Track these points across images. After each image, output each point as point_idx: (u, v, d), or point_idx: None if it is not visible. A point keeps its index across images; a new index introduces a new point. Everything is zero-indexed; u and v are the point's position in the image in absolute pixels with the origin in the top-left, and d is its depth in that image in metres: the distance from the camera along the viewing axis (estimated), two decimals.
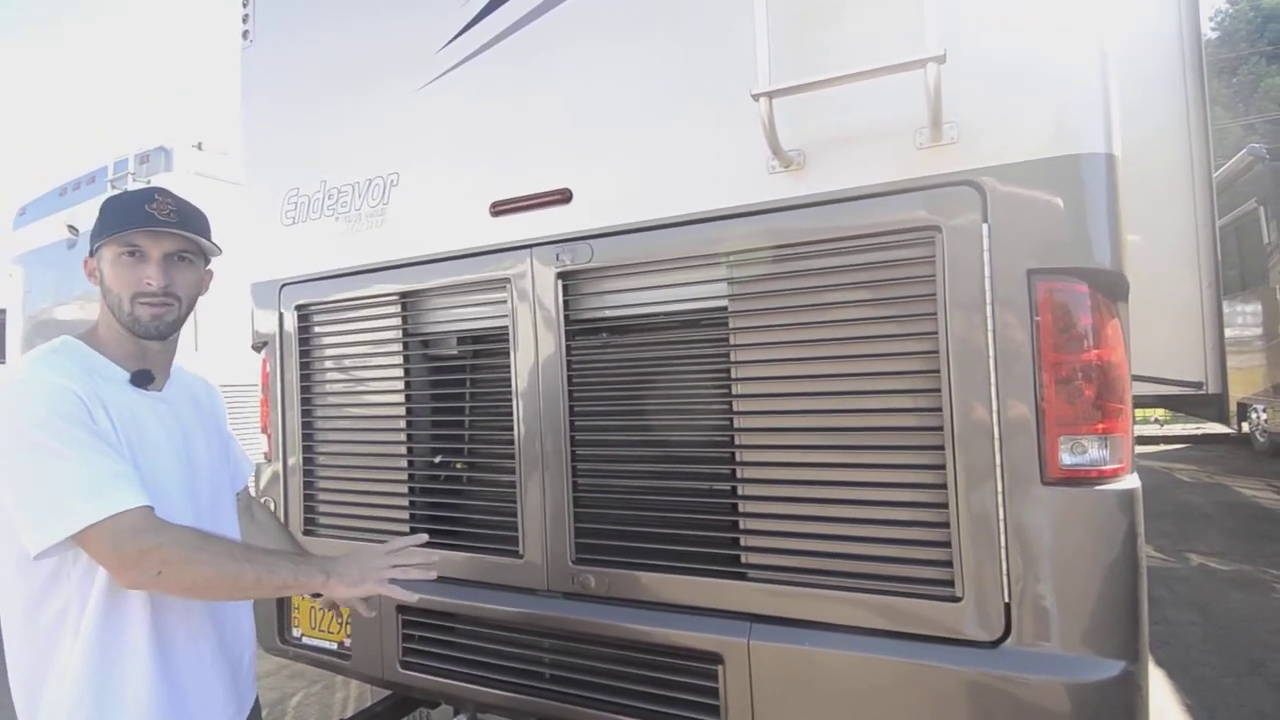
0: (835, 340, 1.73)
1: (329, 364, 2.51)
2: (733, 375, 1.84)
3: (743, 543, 1.81)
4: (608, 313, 2.05)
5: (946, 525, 1.59)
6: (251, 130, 2.66)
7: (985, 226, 1.56)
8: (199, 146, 5.09)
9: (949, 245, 1.59)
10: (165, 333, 1.41)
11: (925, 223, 1.62)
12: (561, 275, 2.04)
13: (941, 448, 1.60)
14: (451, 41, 2.19)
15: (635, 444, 2.02)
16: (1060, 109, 1.53)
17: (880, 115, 1.64)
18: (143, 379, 1.41)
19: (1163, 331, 2.75)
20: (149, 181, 4.96)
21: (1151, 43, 2.83)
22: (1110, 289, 1.55)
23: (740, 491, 1.83)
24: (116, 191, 1.33)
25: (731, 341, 1.84)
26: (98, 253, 1.40)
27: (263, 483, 2.61)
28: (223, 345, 4.94)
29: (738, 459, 1.83)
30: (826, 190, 1.71)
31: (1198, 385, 2.70)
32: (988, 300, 1.56)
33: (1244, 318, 8.14)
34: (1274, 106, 19.69)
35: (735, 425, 1.83)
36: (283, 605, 2.54)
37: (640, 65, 1.92)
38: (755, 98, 1.61)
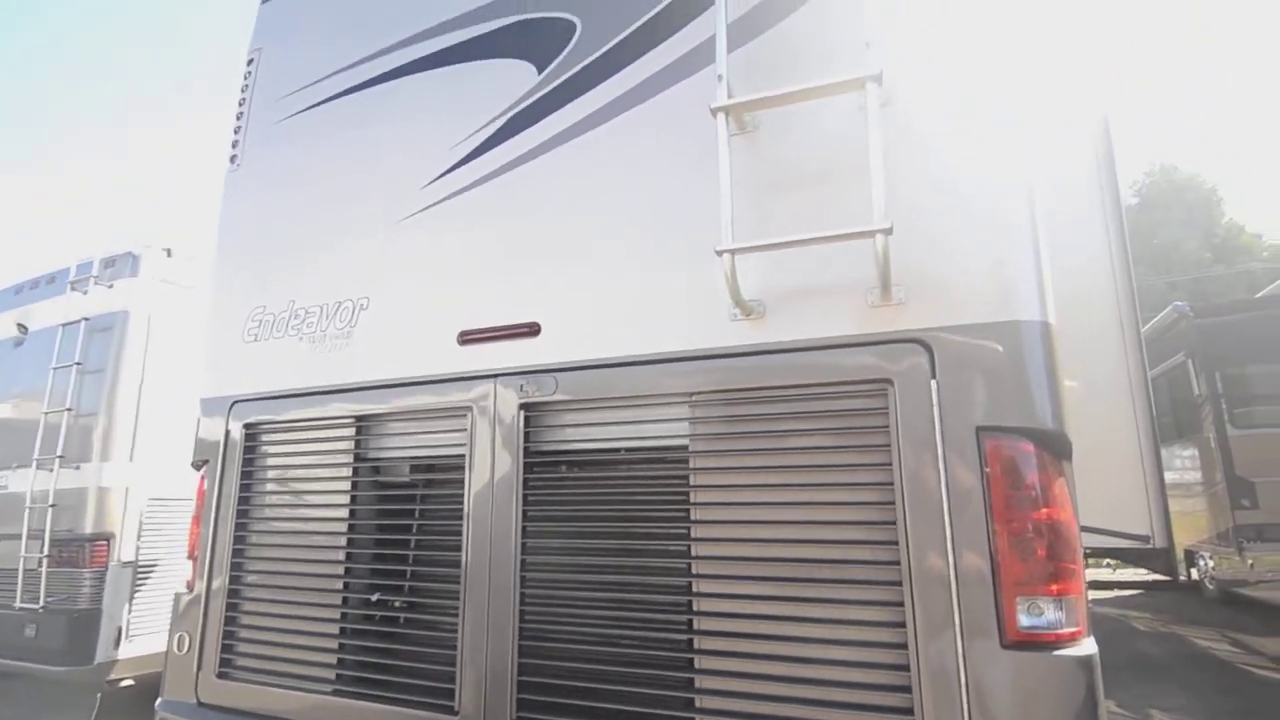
0: (794, 486, 1.73)
1: (271, 486, 2.40)
2: (691, 517, 1.81)
3: (698, 704, 1.70)
4: (568, 446, 2.04)
5: (908, 689, 1.53)
6: (225, 248, 2.69)
7: (934, 383, 1.62)
8: (168, 253, 5.10)
9: (901, 398, 1.65)
10: None
11: (878, 375, 1.68)
12: (524, 406, 2.03)
13: (900, 603, 1.57)
14: (436, 179, 2.29)
15: (589, 586, 1.94)
16: (998, 278, 1.65)
17: (836, 274, 1.74)
18: None
19: (1107, 482, 2.83)
20: (110, 286, 4.90)
21: (1077, 210, 3.11)
22: (1055, 448, 1.60)
23: (696, 645, 1.74)
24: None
25: (691, 482, 1.83)
26: None
27: (178, 615, 2.40)
28: (158, 457, 4.72)
29: (694, 606, 1.76)
30: (785, 339, 1.78)
31: (1145, 539, 2.74)
32: (940, 454, 1.59)
33: (1183, 462, 8.45)
34: (1193, 268, 21.61)
35: (693, 571, 1.78)
36: None
37: (615, 213, 2.03)
38: (719, 253, 1.70)
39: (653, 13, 2.08)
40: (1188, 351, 7.88)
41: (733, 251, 1.70)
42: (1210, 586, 8.94)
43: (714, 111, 1.76)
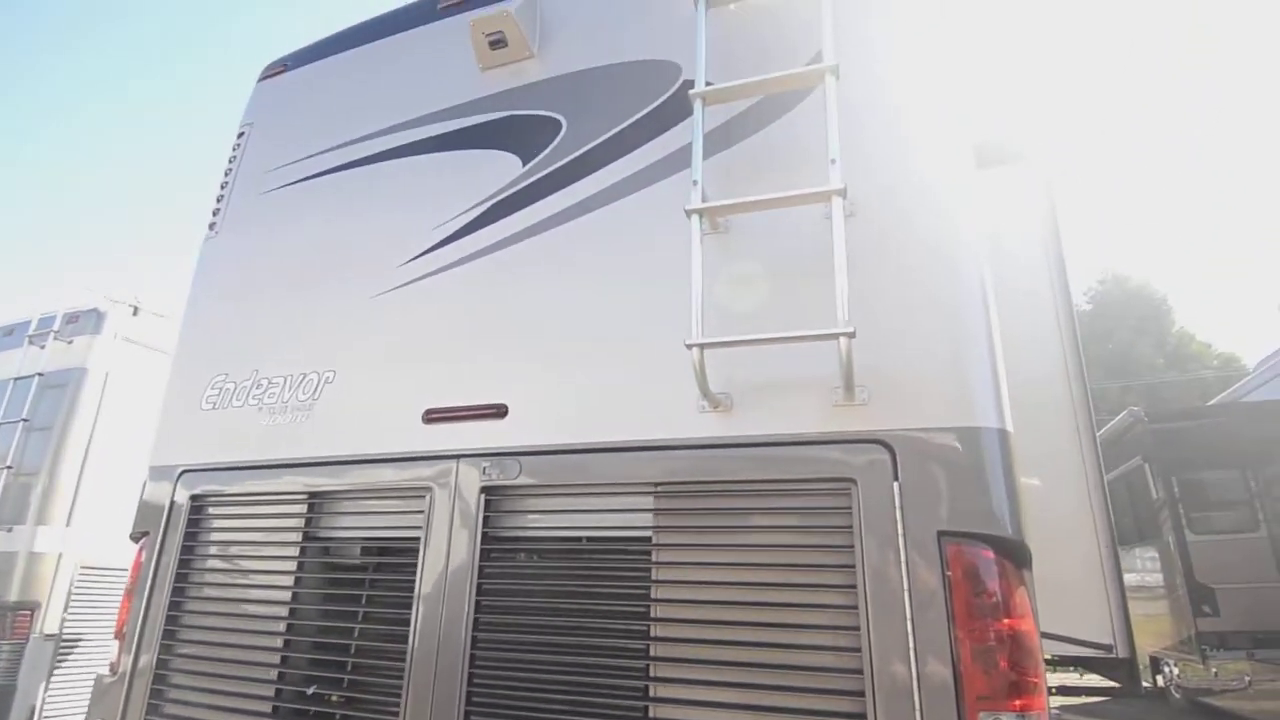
0: (756, 585, 1.70)
1: (213, 563, 2.29)
2: (652, 613, 1.76)
3: None
4: (528, 531, 1.99)
5: None
6: (194, 313, 2.67)
7: (896, 484, 1.64)
8: (135, 311, 5.02)
9: (864, 498, 1.65)
10: None
11: (842, 474, 1.69)
12: (486, 489, 1.99)
13: (863, 715, 1.52)
14: (414, 259, 2.33)
15: (542, 683, 1.85)
16: (956, 385, 1.69)
17: (802, 371, 1.78)
18: None
19: (1069, 589, 2.82)
20: (70, 343, 4.79)
21: (1033, 318, 3.24)
22: (1015, 556, 1.61)
23: None
24: None
25: (653, 576, 1.79)
26: None
27: (98, 698, 2.23)
28: (96, 522, 4.49)
29: (653, 703, 1.69)
30: (751, 434, 1.79)
31: (1108, 648, 2.72)
32: (902, 555, 1.59)
33: (1145, 564, 8.50)
34: (1147, 372, 22.46)
35: (652, 665, 1.72)
36: None
37: (588, 301, 2.07)
38: (689, 347, 1.73)
39: (635, 117, 2.20)
40: (1144, 455, 8.07)
41: (701, 346, 1.73)
42: (1176, 694, 8.81)
43: (689, 213, 1.83)
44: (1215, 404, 9.56)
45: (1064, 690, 10.73)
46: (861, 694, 1.53)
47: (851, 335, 1.60)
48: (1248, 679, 6.62)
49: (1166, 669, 8.94)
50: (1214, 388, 13.87)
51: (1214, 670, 7.00)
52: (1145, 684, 9.31)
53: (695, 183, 1.85)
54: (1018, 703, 1.49)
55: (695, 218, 1.83)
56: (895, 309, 1.77)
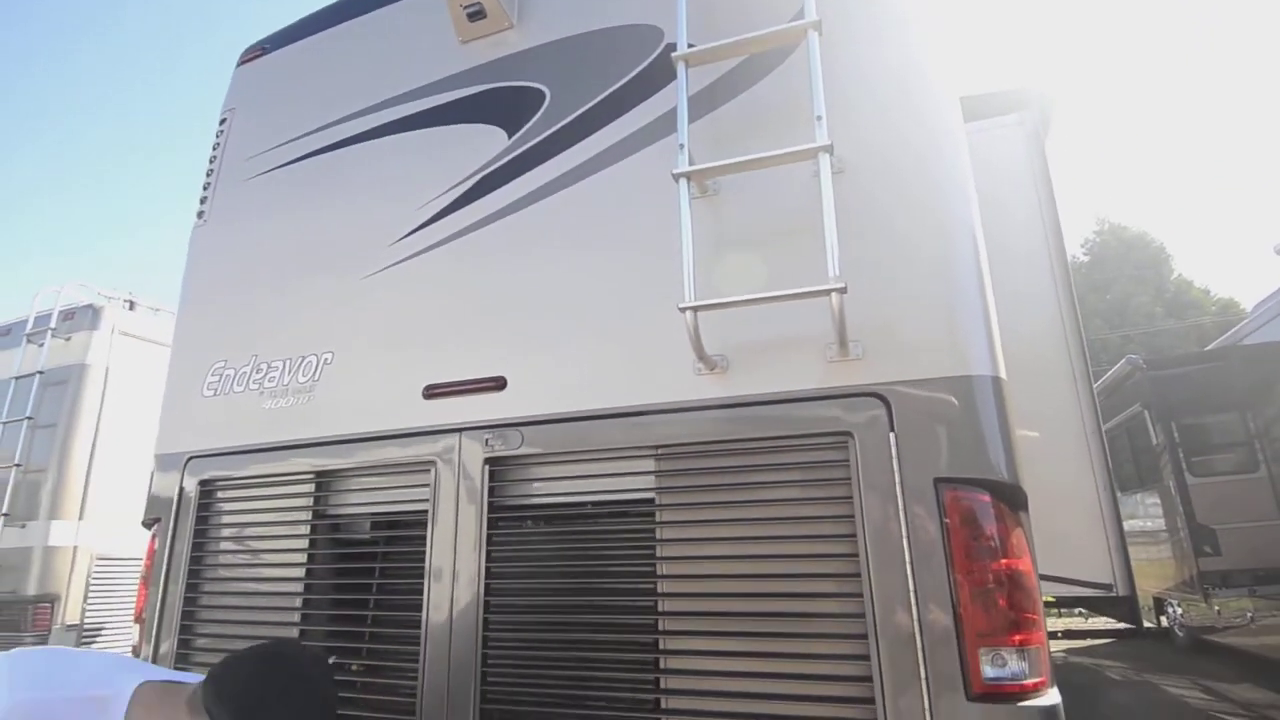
0: (759, 539, 1.74)
1: (226, 545, 2.34)
2: (657, 570, 1.80)
3: None
4: (533, 500, 2.02)
5: None
6: (189, 302, 2.68)
7: (893, 435, 1.66)
8: (130, 305, 5.03)
9: (862, 451, 1.68)
10: None
11: (839, 428, 1.72)
12: (489, 460, 2.02)
13: (866, 656, 1.57)
14: (404, 238, 2.33)
15: (553, 645, 1.90)
16: (947, 335, 1.71)
17: (796, 329, 1.80)
18: None
19: (1068, 532, 2.88)
20: (68, 339, 4.80)
21: (1028, 268, 3.24)
22: (1011, 499, 1.64)
23: (664, 697, 1.71)
24: (294, 699, 1.31)
25: (657, 535, 1.82)
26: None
27: None
28: (109, 515, 4.55)
29: (662, 664, 1.74)
30: (747, 393, 1.81)
31: (1107, 587, 2.78)
32: (900, 505, 1.62)
33: (1147, 510, 8.60)
34: (1145, 321, 22.46)
35: (660, 627, 1.76)
36: None
37: (580, 270, 2.08)
38: (682, 310, 1.74)
39: (620, 84, 2.18)
40: (1143, 402, 8.12)
41: (694, 308, 1.74)
42: (1180, 634, 8.99)
43: (676, 177, 1.83)
44: (1213, 348, 9.58)
45: (1070, 634, 10.94)
46: (864, 636, 1.58)
47: (843, 290, 1.61)
48: (1250, 615, 6.75)
49: (1170, 609, 9.12)
50: (1212, 334, 13.88)
51: (1216, 608, 7.14)
52: (1149, 624, 9.50)
53: (682, 146, 1.84)
54: (1017, 638, 1.53)
55: (683, 181, 1.83)
56: (887, 263, 1.78)
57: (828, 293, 1.62)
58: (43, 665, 1.34)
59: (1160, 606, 9.38)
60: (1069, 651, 9.49)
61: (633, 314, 1.97)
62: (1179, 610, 8.75)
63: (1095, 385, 3.42)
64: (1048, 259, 3.19)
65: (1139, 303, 23.13)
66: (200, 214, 2.75)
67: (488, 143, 2.31)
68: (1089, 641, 10.65)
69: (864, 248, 1.76)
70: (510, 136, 2.28)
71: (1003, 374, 1.71)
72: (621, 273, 2.02)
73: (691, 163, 1.84)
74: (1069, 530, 2.91)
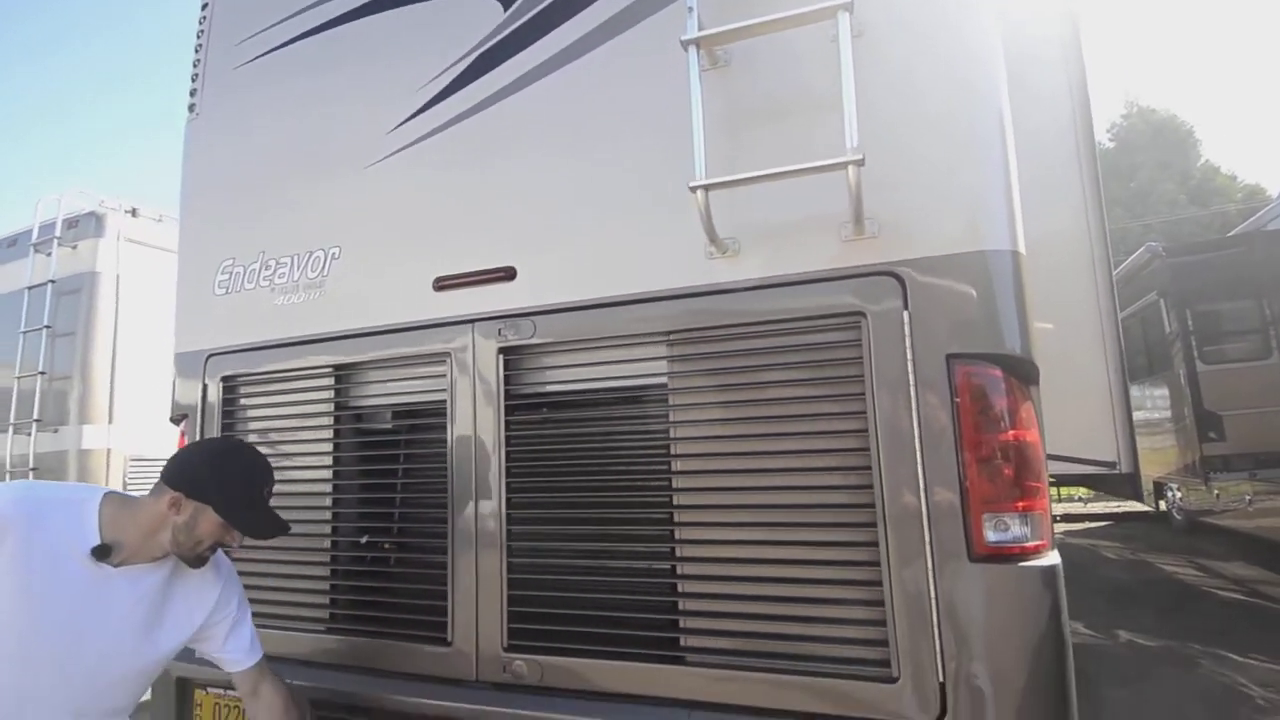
0: (770, 419, 1.77)
1: (253, 438, 2.41)
2: (671, 452, 1.85)
3: (681, 624, 1.77)
4: (548, 388, 2.05)
5: (881, 603, 1.60)
6: (190, 200, 2.63)
7: (906, 314, 1.65)
8: (133, 212, 4.96)
9: (874, 330, 1.68)
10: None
11: (851, 308, 1.70)
12: (503, 350, 2.04)
13: (874, 525, 1.63)
14: (403, 124, 2.24)
15: (572, 522, 1.99)
16: (969, 211, 1.66)
17: (810, 209, 1.75)
18: (101, 553, 1.53)
19: (1077, 414, 2.91)
20: (75, 248, 4.78)
21: (1051, 151, 3.11)
22: (1022, 374, 1.65)
23: (679, 571, 1.81)
24: (236, 461, 1.74)
25: (670, 419, 1.86)
26: (200, 503, 1.59)
27: None
28: (138, 418, 4.69)
29: (676, 537, 1.82)
30: (760, 276, 1.79)
31: (1111, 465, 2.84)
32: (911, 383, 1.63)
33: (1155, 400, 8.68)
34: (1168, 210, 21.77)
35: (674, 503, 1.83)
36: (183, 706, 2.32)
37: (586, 152, 2.01)
38: (693, 189, 1.69)
39: None
40: (1160, 290, 8.01)
41: (705, 187, 1.69)
42: (1178, 517, 9.29)
43: (684, 44, 1.73)
44: (1234, 234, 9.33)
45: (1068, 518, 11.32)
46: (872, 506, 1.64)
47: (860, 163, 1.55)
48: (1248, 498, 6.94)
49: (1170, 493, 9.38)
50: (1236, 222, 13.43)
51: (1216, 492, 7.33)
52: (1148, 507, 9.82)
53: (690, 9, 1.72)
54: (1020, 504, 1.58)
55: (692, 49, 1.72)
56: (906, 135, 1.70)
57: (844, 165, 1.56)
58: (24, 484, 1.67)
59: (1160, 491, 9.64)
60: (1066, 534, 9.86)
61: (642, 196, 1.92)
62: (1178, 494, 8.99)
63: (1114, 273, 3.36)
64: (1074, 138, 3.04)
65: (1163, 190, 22.35)
66: (191, 107, 2.65)
67: (482, 16, 2.17)
68: (1086, 525, 11.04)
69: (884, 118, 1.69)
70: (507, 8, 2.15)
71: (1022, 249, 1.67)
72: (629, 153, 1.95)
73: (701, 28, 1.73)
74: (1077, 413, 2.94)
